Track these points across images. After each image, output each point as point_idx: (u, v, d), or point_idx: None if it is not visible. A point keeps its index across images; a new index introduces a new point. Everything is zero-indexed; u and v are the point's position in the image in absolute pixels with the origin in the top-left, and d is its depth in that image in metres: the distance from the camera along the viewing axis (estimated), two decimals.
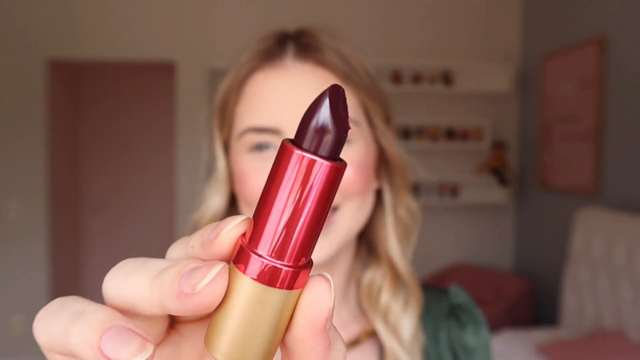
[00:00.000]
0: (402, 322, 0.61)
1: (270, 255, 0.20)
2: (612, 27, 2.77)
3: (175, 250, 0.23)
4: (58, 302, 0.21)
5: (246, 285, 0.20)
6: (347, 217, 0.57)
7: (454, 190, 3.65)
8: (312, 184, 0.20)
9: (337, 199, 0.56)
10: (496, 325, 2.89)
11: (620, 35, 2.71)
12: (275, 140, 0.56)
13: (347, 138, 0.56)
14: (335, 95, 0.20)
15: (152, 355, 0.19)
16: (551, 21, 3.36)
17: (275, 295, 0.20)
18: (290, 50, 0.59)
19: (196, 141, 3.14)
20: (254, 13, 3.41)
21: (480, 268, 3.61)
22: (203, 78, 3.41)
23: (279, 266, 0.20)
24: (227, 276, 0.20)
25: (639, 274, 2.30)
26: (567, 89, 3.13)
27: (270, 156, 0.56)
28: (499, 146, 3.63)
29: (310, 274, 0.21)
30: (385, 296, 0.63)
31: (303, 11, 3.41)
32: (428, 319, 0.65)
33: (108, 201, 4.23)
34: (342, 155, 0.23)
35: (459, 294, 0.69)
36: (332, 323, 0.21)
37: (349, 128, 0.20)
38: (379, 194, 0.65)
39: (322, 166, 0.20)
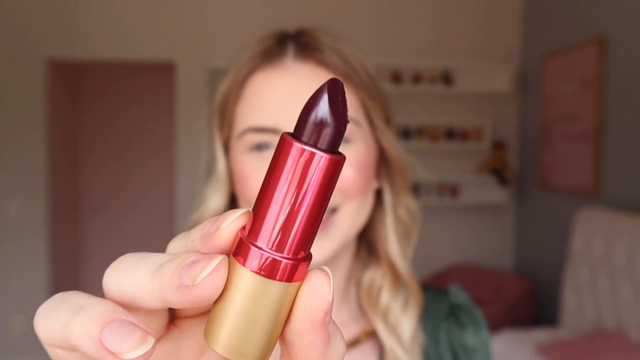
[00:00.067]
0: (402, 322, 0.61)
1: (270, 248, 0.20)
2: (612, 27, 2.77)
3: (175, 245, 0.23)
4: (59, 296, 0.22)
5: (245, 278, 0.20)
6: (347, 217, 0.57)
7: (454, 190, 3.65)
8: (312, 176, 0.20)
9: (337, 199, 0.56)
10: (496, 325, 2.89)
11: (620, 35, 2.71)
12: (275, 140, 0.56)
13: (347, 138, 0.57)
14: (334, 88, 0.20)
15: (153, 348, 0.19)
16: (551, 21, 3.36)
17: (275, 287, 0.20)
18: (291, 50, 0.59)
19: (196, 141, 3.14)
20: (254, 13, 3.41)
21: (480, 268, 3.61)
22: (203, 78, 3.41)
23: (278, 258, 0.20)
24: (226, 268, 0.20)
25: (639, 274, 2.30)
26: (567, 89, 3.13)
27: (270, 156, 0.56)
28: (499, 146, 3.63)
29: (309, 269, 0.21)
30: (385, 296, 0.63)
31: (303, 11, 3.41)
32: (428, 319, 0.65)
33: (108, 201, 4.23)
34: None
35: (458, 294, 0.69)
36: (331, 317, 0.21)
37: (347, 121, 0.21)
38: (379, 194, 0.65)
39: (321, 159, 0.20)
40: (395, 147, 0.62)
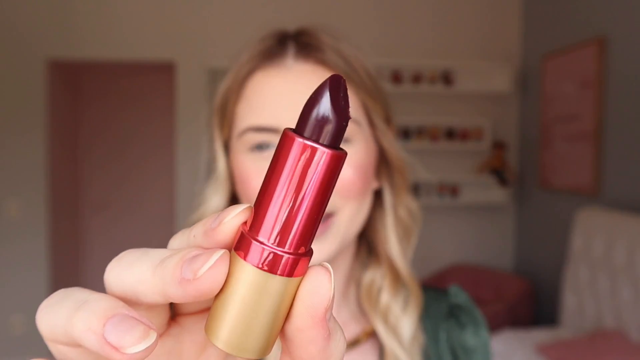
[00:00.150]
0: (402, 323, 0.61)
1: (271, 242, 0.20)
2: (612, 27, 2.77)
3: (177, 240, 0.23)
4: (61, 292, 0.22)
5: (246, 272, 0.20)
6: (346, 218, 0.57)
7: (454, 190, 3.65)
8: (314, 171, 0.20)
9: (336, 201, 0.56)
10: (496, 325, 2.89)
11: (620, 35, 2.71)
12: (276, 140, 0.56)
13: (348, 137, 0.57)
14: (335, 84, 0.21)
15: (155, 343, 0.19)
16: (551, 21, 3.36)
17: (275, 282, 0.20)
18: (291, 49, 0.59)
19: (196, 141, 3.14)
20: (254, 13, 3.41)
21: (480, 268, 3.61)
22: (203, 78, 3.41)
23: (279, 253, 0.20)
24: (227, 262, 0.20)
25: (639, 274, 2.30)
26: (567, 89, 3.13)
27: (270, 156, 0.56)
28: (499, 146, 3.63)
29: (310, 265, 0.21)
30: (385, 296, 0.63)
31: (303, 11, 3.41)
32: (428, 319, 0.65)
33: (108, 201, 4.23)
34: None
35: (458, 294, 0.69)
36: (331, 313, 0.21)
37: (349, 117, 0.21)
38: (379, 194, 0.65)
39: (323, 154, 0.20)
40: (395, 147, 0.62)
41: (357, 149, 0.58)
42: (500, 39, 3.69)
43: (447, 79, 3.55)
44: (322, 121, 0.20)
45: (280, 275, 0.20)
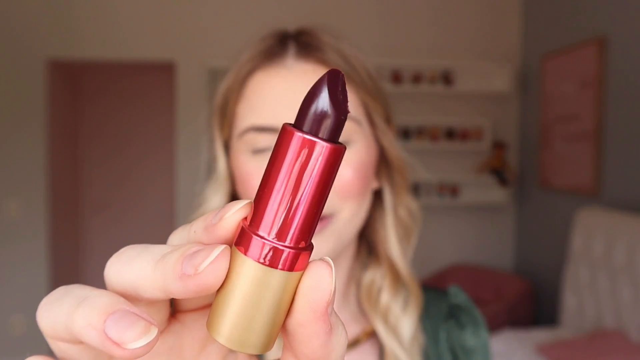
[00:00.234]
0: (402, 323, 0.61)
1: (271, 237, 0.20)
2: (612, 27, 2.77)
3: (177, 236, 0.23)
4: (61, 289, 0.22)
5: (247, 267, 0.20)
6: (345, 218, 0.57)
7: (454, 190, 3.65)
8: (313, 165, 0.20)
9: (336, 201, 0.56)
10: (496, 325, 2.89)
11: (620, 35, 2.71)
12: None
13: (348, 137, 0.57)
14: (333, 79, 0.21)
15: (157, 339, 0.19)
16: (551, 21, 3.36)
17: (276, 276, 0.20)
18: (292, 49, 0.59)
19: (196, 141, 3.14)
20: (254, 13, 3.41)
21: (480, 268, 3.61)
22: (203, 78, 3.41)
23: (279, 247, 0.20)
24: (228, 257, 0.20)
25: (639, 274, 2.30)
26: (567, 89, 3.13)
27: None
28: (499, 146, 3.63)
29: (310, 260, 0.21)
30: (385, 297, 0.63)
31: (303, 11, 3.41)
32: (427, 319, 0.65)
33: (108, 201, 4.23)
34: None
35: (458, 295, 0.69)
36: (333, 308, 0.21)
37: (348, 112, 0.21)
38: (379, 194, 0.65)
39: (323, 148, 0.20)
40: (395, 147, 0.62)
41: (358, 149, 0.58)
42: (500, 39, 3.69)
43: (447, 79, 3.55)
44: (321, 115, 0.20)
45: (281, 269, 0.20)
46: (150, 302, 0.22)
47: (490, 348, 0.68)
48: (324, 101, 0.20)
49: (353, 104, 0.58)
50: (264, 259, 0.20)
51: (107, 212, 4.23)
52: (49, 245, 3.43)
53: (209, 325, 0.22)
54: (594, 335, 2.36)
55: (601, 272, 2.53)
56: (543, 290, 3.36)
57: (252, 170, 0.57)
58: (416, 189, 3.52)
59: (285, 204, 0.20)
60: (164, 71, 3.83)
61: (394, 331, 0.61)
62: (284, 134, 0.20)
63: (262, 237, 0.20)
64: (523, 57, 3.69)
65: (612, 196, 2.75)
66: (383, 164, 0.63)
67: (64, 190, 3.79)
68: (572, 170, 3.07)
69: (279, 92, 0.57)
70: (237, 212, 0.21)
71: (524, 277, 3.53)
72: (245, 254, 0.20)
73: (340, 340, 0.21)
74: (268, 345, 0.22)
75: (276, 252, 0.20)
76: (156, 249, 0.21)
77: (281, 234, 0.20)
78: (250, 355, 0.25)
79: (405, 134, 3.51)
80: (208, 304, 0.25)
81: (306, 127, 0.20)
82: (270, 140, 0.56)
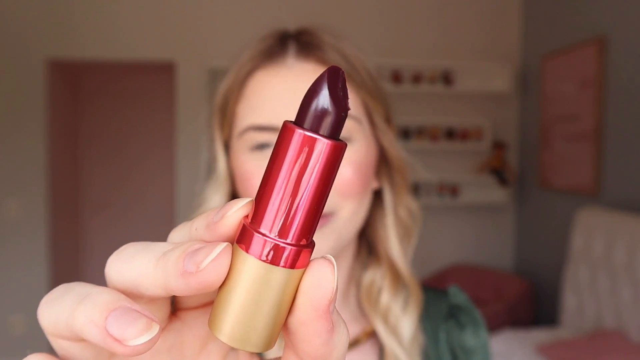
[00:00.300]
0: (402, 323, 0.61)
1: (273, 234, 0.20)
2: (612, 27, 2.77)
3: (177, 233, 0.23)
4: (62, 287, 0.22)
5: (248, 264, 0.20)
6: (345, 217, 0.57)
7: (454, 190, 3.65)
8: (314, 162, 0.20)
9: (336, 200, 0.56)
10: (496, 325, 2.89)
11: (620, 35, 2.71)
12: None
13: (348, 136, 0.57)
14: (334, 76, 0.21)
15: (158, 335, 0.19)
16: (551, 21, 3.36)
17: (277, 274, 0.20)
18: (292, 49, 0.59)
19: (196, 141, 3.14)
20: (254, 13, 3.41)
21: (480, 268, 3.61)
22: (203, 78, 3.41)
23: (280, 244, 0.20)
24: (230, 254, 0.20)
25: (639, 274, 2.30)
26: (567, 89, 3.13)
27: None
28: (499, 146, 3.63)
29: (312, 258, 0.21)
30: (386, 297, 0.63)
31: (303, 11, 3.41)
32: (427, 319, 0.65)
33: (108, 200, 4.23)
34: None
35: (457, 295, 0.69)
36: (334, 306, 0.21)
37: (348, 108, 0.21)
38: (379, 194, 0.65)
39: (324, 144, 0.20)
40: (395, 147, 0.62)
41: (358, 148, 0.58)
42: (500, 39, 3.69)
43: (447, 79, 3.55)
44: (321, 112, 0.20)
45: (282, 267, 0.20)
46: (151, 300, 0.22)
47: (490, 348, 0.68)
48: (324, 98, 0.20)
49: (353, 103, 0.58)
50: (266, 256, 0.20)
51: (107, 212, 4.23)
52: (49, 245, 3.43)
53: (211, 323, 0.22)
54: (594, 335, 2.36)
55: (601, 272, 2.53)
56: (543, 290, 3.36)
57: (252, 170, 0.57)
58: (416, 189, 3.52)
59: (286, 201, 0.20)
60: (164, 71, 3.83)
61: (394, 331, 0.61)
62: (285, 131, 0.20)
63: (263, 235, 0.20)
64: (523, 57, 3.69)
65: (612, 196, 2.75)
66: (383, 163, 0.63)
67: (64, 190, 3.79)
68: (572, 170, 3.07)
69: (279, 92, 0.57)
70: (239, 210, 0.21)
71: (524, 277, 3.53)
72: (246, 252, 0.20)
73: (341, 338, 0.21)
74: (269, 343, 0.21)
75: (278, 250, 0.20)
76: (157, 247, 0.21)
77: (283, 231, 0.20)
78: (252, 354, 0.25)
79: (405, 134, 3.51)
80: (209, 302, 0.25)
81: (307, 124, 0.20)
82: (270, 139, 0.56)
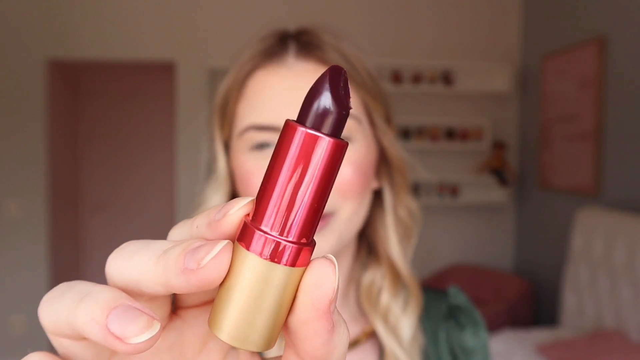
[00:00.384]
0: (402, 323, 0.61)
1: (274, 232, 0.20)
2: (612, 27, 2.77)
3: (178, 231, 0.23)
4: (63, 285, 0.21)
5: (249, 262, 0.20)
6: (345, 217, 0.57)
7: (454, 190, 3.65)
8: (316, 159, 0.20)
9: (335, 200, 0.56)
10: (496, 325, 2.89)
11: (620, 35, 2.71)
12: (277, 139, 0.56)
13: (349, 136, 0.57)
14: (335, 75, 0.21)
15: (159, 334, 0.19)
16: (551, 21, 3.36)
17: (278, 272, 0.20)
18: (292, 48, 0.59)
19: (196, 140, 3.14)
20: (254, 13, 3.41)
21: (480, 268, 3.61)
22: (203, 78, 3.41)
23: (281, 242, 0.20)
24: (231, 252, 0.20)
25: (639, 274, 2.29)
26: (567, 89, 3.13)
27: (271, 155, 0.56)
28: (499, 146, 3.63)
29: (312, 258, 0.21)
30: (385, 297, 0.63)
31: (303, 11, 3.41)
32: (427, 320, 0.65)
33: (108, 200, 4.23)
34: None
35: (457, 295, 0.69)
36: (335, 306, 0.21)
37: (350, 107, 0.21)
38: (379, 194, 0.65)
39: (326, 142, 0.20)
40: (395, 147, 0.62)
41: (358, 148, 0.58)
42: (500, 39, 3.69)
43: (447, 79, 3.55)
44: (323, 111, 0.20)
45: (283, 264, 0.20)
46: (151, 298, 0.22)
47: (490, 349, 0.68)
48: (326, 97, 0.20)
49: (354, 103, 0.58)
50: (266, 253, 0.20)
51: (107, 212, 4.23)
52: (49, 245, 3.43)
53: (211, 321, 0.22)
54: (594, 335, 2.36)
55: (601, 272, 2.53)
56: (543, 290, 3.36)
57: (253, 169, 0.57)
58: (416, 189, 3.52)
59: (287, 198, 0.20)
60: (164, 71, 3.83)
61: (394, 331, 0.61)
62: (287, 129, 0.20)
63: (264, 232, 0.20)
64: (523, 57, 3.69)
65: (612, 196, 2.75)
66: (383, 163, 0.63)
67: (64, 190, 3.79)
68: (572, 170, 3.07)
69: (280, 91, 0.57)
70: (241, 208, 0.21)
71: (524, 277, 3.53)
72: (247, 249, 0.20)
73: (342, 339, 0.21)
74: (270, 343, 0.21)
75: (278, 247, 0.20)
76: (158, 244, 0.21)
77: (284, 229, 0.20)
78: (252, 353, 0.25)
79: (405, 134, 3.51)
80: (209, 300, 0.25)
81: (309, 122, 0.20)
82: (270, 139, 0.56)
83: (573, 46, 3.07)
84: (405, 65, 3.53)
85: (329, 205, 0.55)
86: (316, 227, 0.21)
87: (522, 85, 3.69)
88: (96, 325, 0.19)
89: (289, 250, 0.20)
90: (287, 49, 0.59)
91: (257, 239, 0.20)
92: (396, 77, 3.50)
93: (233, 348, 0.25)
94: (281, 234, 0.20)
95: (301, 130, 0.20)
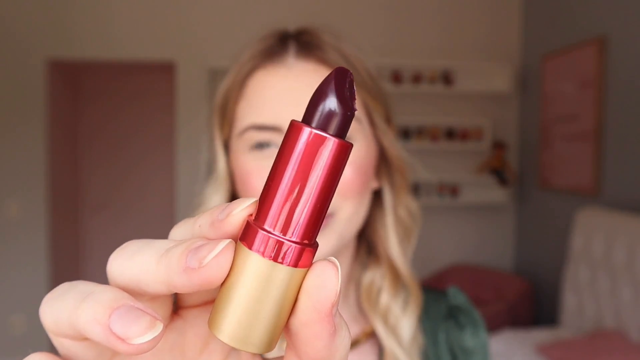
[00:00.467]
0: (402, 323, 0.61)
1: (276, 231, 0.20)
2: (612, 27, 2.77)
3: (179, 230, 0.23)
4: (64, 285, 0.21)
5: (251, 261, 0.20)
6: (345, 217, 0.57)
7: (454, 190, 3.65)
8: (321, 159, 0.20)
9: (335, 200, 0.56)
10: (496, 325, 2.89)
11: (620, 35, 2.71)
12: (277, 139, 0.56)
13: (349, 135, 0.57)
14: (341, 76, 0.21)
15: (162, 334, 0.19)
16: (551, 21, 3.36)
17: (280, 272, 0.20)
18: (292, 48, 0.59)
19: (196, 140, 3.15)
20: (254, 13, 3.41)
21: (481, 268, 3.61)
22: (203, 78, 3.41)
23: (284, 242, 0.20)
24: (233, 251, 0.20)
25: (639, 274, 2.29)
26: (567, 89, 3.13)
27: (271, 155, 0.56)
28: (499, 146, 3.63)
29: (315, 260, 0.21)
30: (385, 297, 0.63)
31: (303, 11, 3.41)
32: (426, 320, 0.65)
33: (108, 200, 4.23)
34: None
35: (457, 295, 0.69)
36: (337, 309, 0.21)
37: (354, 109, 0.21)
38: (378, 194, 0.65)
39: (331, 142, 0.20)
40: (395, 147, 0.62)
41: (358, 148, 0.57)
42: (500, 39, 3.69)
43: (447, 79, 3.55)
44: (328, 112, 0.20)
45: (285, 265, 0.20)
46: (153, 298, 0.22)
47: (490, 349, 0.68)
48: (331, 98, 0.20)
49: None
50: (269, 253, 0.20)
51: (107, 212, 4.23)
52: (49, 245, 3.43)
53: (211, 322, 0.21)
54: (594, 335, 2.36)
55: (601, 272, 2.53)
56: (543, 290, 3.36)
57: (252, 169, 0.57)
58: (416, 189, 3.52)
59: (292, 198, 0.20)
60: (164, 71, 3.83)
61: (394, 332, 0.61)
62: (293, 129, 0.20)
63: (267, 232, 0.20)
64: (523, 57, 3.68)
65: (612, 196, 2.75)
66: (383, 163, 0.63)
67: (64, 190, 3.79)
68: (572, 170, 3.07)
69: (280, 91, 0.57)
70: (245, 209, 0.21)
71: (524, 277, 3.53)
72: (250, 249, 0.20)
73: (343, 341, 0.21)
74: (270, 344, 0.21)
75: (281, 247, 0.20)
76: (160, 244, 0.21)
77: (287, 229, 0.20)
78: (253, 354, 0.25)
79: (405, 134, 3.51)
80: (211, 300, 0.25)
81: (314, 123, 0.20)
82: (270, 138, 0.56)
83: (573, 46, 3.07)
84: (405, 65, 3.53)
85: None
86: (319, 228, 0.21)
87: (522, 85, 3.69)
88: (98, 326, 0.19)
89: (291, 250, 0.20)
90: (287, 49, 0.59)
91: (260, 239, 0.20)
92: (396, 77, 3.50)
93: (234, 349, 0.25)
94: (284, 233, 0.20)
95: (308, 131, 0.20)
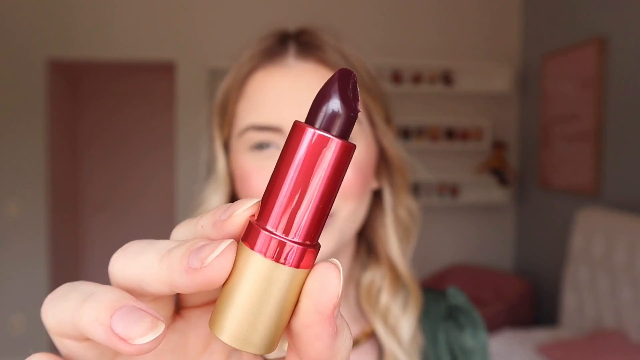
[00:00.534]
0: (402, 323, 0.61)
1: (279, 232, 0.20)
2: (612, 27, 2.77)
3: (181, 230, 0.23)
4: (66, 286, 0.21)
5: (253, 262, 0.20)
6: (344, 218, 0.57)
7: (454, 190, 3.65)
8: (326, 161, 0.20)
9: (335, 202, 0.56)
10: (496, 325, 2.89)
11: (620, 35, 2.71)
12: (277, 139, 0.56)
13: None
14: (344, 78, 0.21)
15: (164, 334, 0.19)
16: (551, 21, 3.36)
17: (282, 272, 0.20)
18: (292, 48, 0.59)
19: (196, 140, 3.14)
20: (254, 13, 3.41)
21: (481, 268, 3.61)
22: (203, 78, 3.41)
23: (286, 242, 0.20)
24: (235, 251, 0.20)
25: (639, 274, 2.29)
26: (567, 89, 3.13)
27: (271, 155, 0.56)
28: (499, 146, 3.63)
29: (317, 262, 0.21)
30: (385, 297, 0.63)
31: (303, 12, 3.41)
32: (426, 320, 0.65)
33: (108, 200, 4.23)
34: None
35: (456, 296, 0.69)
36: (339, 310, 0.20)
37: (358, 110, 0.21)
38: (378, 194, 0.65)
39: (335, 143, 0.20)
40: (395, 147, 0.62)
41: (358, 148, 0.57)
42: (500, 39, 3.69)
43: (447, 79, 3.55)
44: (332, 113, 0.20)
45: (287, 265, 0.20)
46: (155, 298, 0.22)
47: (489, 349, 0.68)
48: (334, 99, 0.20)
49: None
50: (271, 254, 0.20)
51: (107, 212, 4.23)
52: (49, 245, 3.43)
53: (212, 322, 0.21)
54: (594, 335, 2.36)
55: (601, 272, 2.53)
56: (543, 290, 3.36)
57: (252, 169, 0.57)
58: (416, 189, 3.52)
59: (295, 199, 0.20)
60: (164, 71, 3.83)
61: (394, 332, 0.61)
62: (296, 130, 0.20)
63: (270, 232, 0.20)
64: (523, 57, 3.68)
65: (612, 196, 2.75)
66: (383, 164, 0.63)
67: (64, 190, 3.79)
68: (572, 170, 3.07)
69: (279, 91, 0.57)
70: (248, 209, 0.21)
71: (524, 277, 3.53)
72: (252, 249, 0.20)
73: (345, 343, 0.21)
74: (271, 345, 0.21)
75: (283, 248, 0.20)
76: (161, 244, 0.21)
77: (289, 230, 0.20)
78: (255, 355, 0.25)
79: (405, 134, 3.51)
80: (212, 300, 0.25)
81: (318, 124, 0.20)
82: (270, 139, 0.56)
83: (573, 46, 3.07)
84: (405, 65, 3.52)
85: None
86: (322, 229, 0.21)
87: (522, 85, 3.69)
88: (100, 326, 0.19)
89: (294, 251, 0.20)
90: (287, 49, 0.59)
91: (262, 239, 0.20)
92: (396, 77, 3.50)
93: (235, 350, 0.25)
94: (287, 234, 0.20)
95: (312, 131, 0.20)
